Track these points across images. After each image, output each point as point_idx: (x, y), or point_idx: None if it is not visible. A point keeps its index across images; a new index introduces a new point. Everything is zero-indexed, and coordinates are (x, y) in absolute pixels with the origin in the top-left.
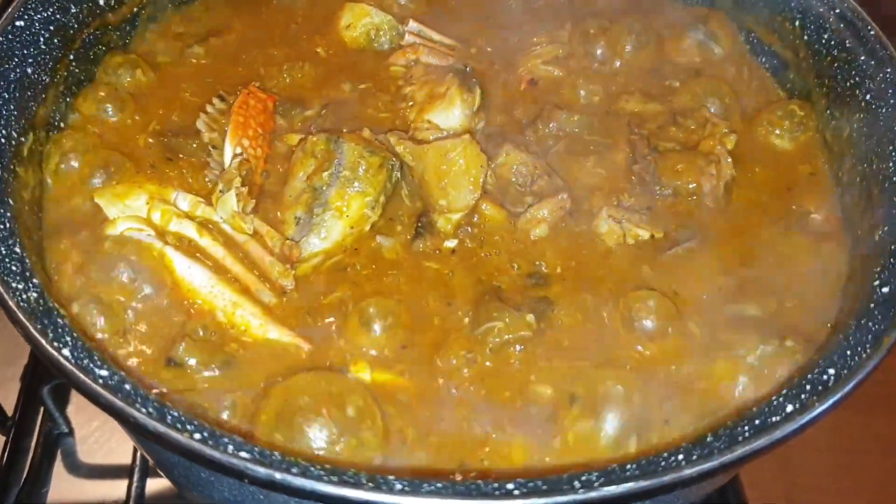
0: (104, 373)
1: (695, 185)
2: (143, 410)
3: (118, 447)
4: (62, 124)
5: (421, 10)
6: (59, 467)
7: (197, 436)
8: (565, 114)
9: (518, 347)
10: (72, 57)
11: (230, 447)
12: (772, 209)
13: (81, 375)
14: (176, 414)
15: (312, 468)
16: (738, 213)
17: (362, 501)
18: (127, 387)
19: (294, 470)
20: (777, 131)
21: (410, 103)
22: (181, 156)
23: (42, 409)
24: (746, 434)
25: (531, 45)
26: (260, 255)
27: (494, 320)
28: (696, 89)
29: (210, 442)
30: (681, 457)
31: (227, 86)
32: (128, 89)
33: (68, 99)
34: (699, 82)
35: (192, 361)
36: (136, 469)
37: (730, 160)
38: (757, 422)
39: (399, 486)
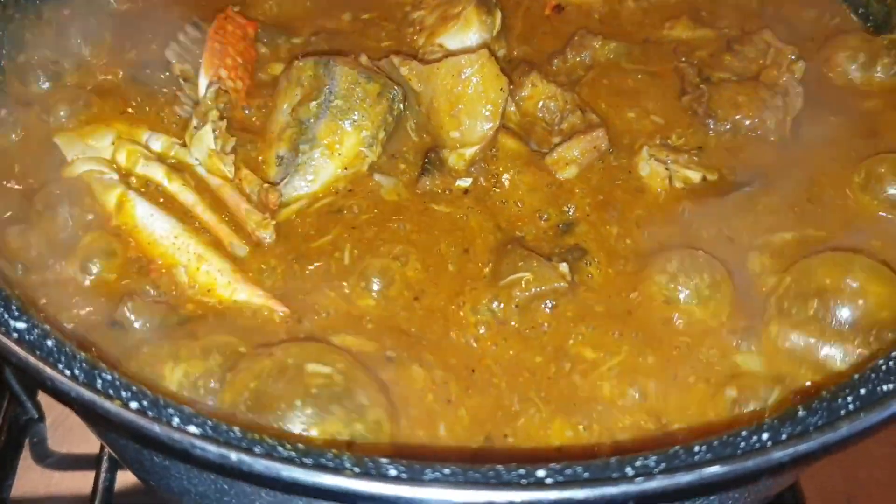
0: (21, 325)
1: (757, 119)
2: (67, 373)
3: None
4: (14, 54)
5: None
6: (26, 457)
7: (133, 405)
8: (599, 40)
9: (549, 303)
10: None
11: (175, 419)
12: (854, 152)
13: None
14: (109, 378)
15: (281, 447)
16: (809, 153)
17: (344, 492)
18: (49, 343)
19: (257, 449)
20: (854, 66)
21: (419, 27)
22: (150, 88)
23: (7, 392)
24: (850, 406)
25: None
26: (236, 201)
27: (521, 270)
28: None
29: (150, 413)
30: (765, 436)
31: (205, 12)
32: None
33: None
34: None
35: (139, 324)
36: (105, 458)
37: (800, 89)
38: (863, 390)
39: (394, 472)
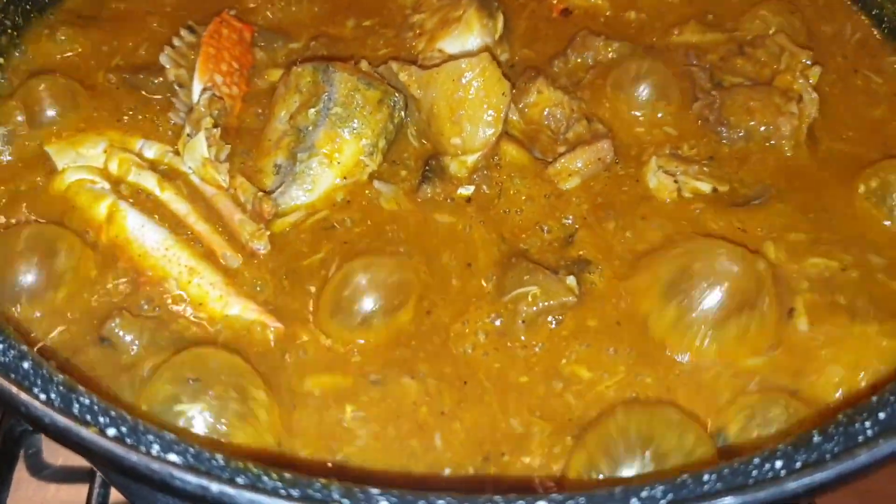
0: None
1: (771, 126)
2: (43, 397)
3: None
4: (1, 60)
5: None
6: (21, 469)
7: (111, 431)
8: (602, 40)
9: (556, 318)
10: None
11: (155, 446)
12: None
13: None
14: (87, 402)
15: (266, 477)
16: (824, 161)
17: None
18: (25, 365)
19: (240, 479)
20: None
21: (418, 31)
22: (144, 94)
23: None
24: (868, 432)
25: None
26: (230, 211)
27: (527, 284)
28: (763, 13)
29: (129, 440)
30: (778, 463)
31: (202, 16)
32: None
33: (10, 31)
34: (768, 5)
35: (129, 339)
36: (98, 473)
37: (815, 96)
38: (882, 415)
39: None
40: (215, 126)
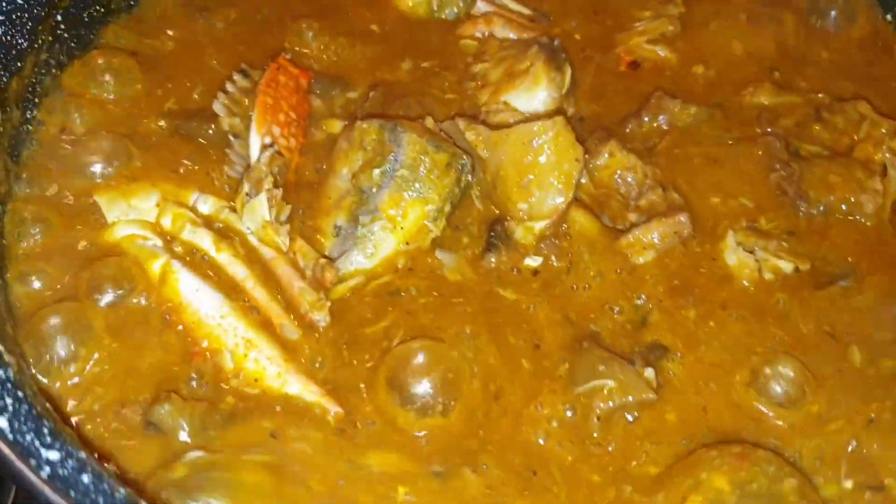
0: (53, 455)
1: (852, 201)
2: None
3: None
4: (43, 100)
5: None
6: None
7: None
8: (679, 104)
9: (633, 415)
10: (59, 18)
11: None
12: None
13: (18, 464)
14: None
15: None
16: None
17: None
18: (84, 479)
19: None
20: None
21: (481, 83)
22: (198, 142)
23: None
24: None
25: (632, 20)
26: (289, 277)
27: (602, 376)
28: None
29: None
30: None
31: (254, 58)
32: (133, 59)
33: (53, 70)
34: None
35: (176, 425)
36: None
37: None
38: None
39: None
40: (276, 186)
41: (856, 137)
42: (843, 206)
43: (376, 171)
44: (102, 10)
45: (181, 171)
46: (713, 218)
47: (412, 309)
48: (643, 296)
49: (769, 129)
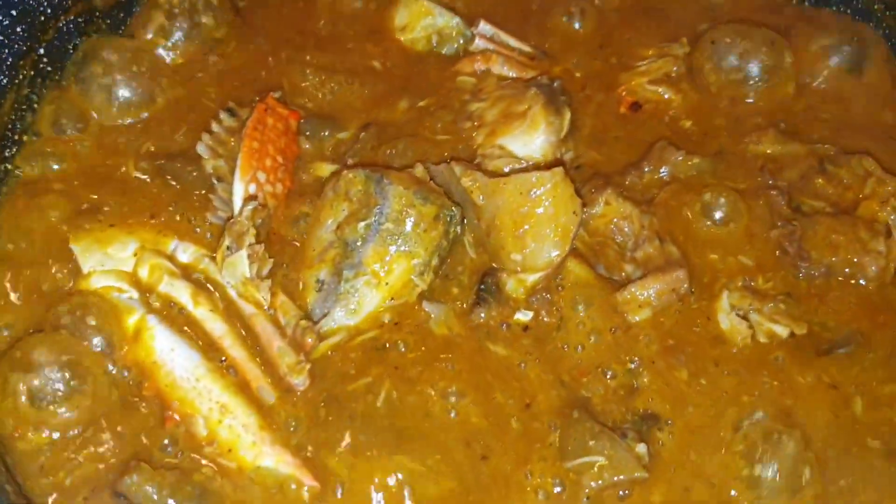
0: None
1: (855, 262)
2: None
3: None
4: (24, 138)
5: (493, 10)
6: None
7: None
8: (682, 154)
9: (624, 492)
10: (42, 52)
11: None
12: None
13: None
14: None
15: None
16: None
17: None
18: None
19: None
20: None
21: (477, 123)
22: (176, 185)
23: None
24: None
25: (636, 59)
26: (269, 336)
27: (592, 452)
28: (846, 127)
29: None
30: None
31: (241, 94)
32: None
33: (35, 106)
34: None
35: (151, 494)
36: None
37: None
38: None
39: None
40: (258, 241)
41: (861, 194)
42: (846, 269)
43: (361, 224)
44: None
45: (162, 216)
46: (710, 274)
47: (400, 363)
48: (636, 358)
49: (772, 182)
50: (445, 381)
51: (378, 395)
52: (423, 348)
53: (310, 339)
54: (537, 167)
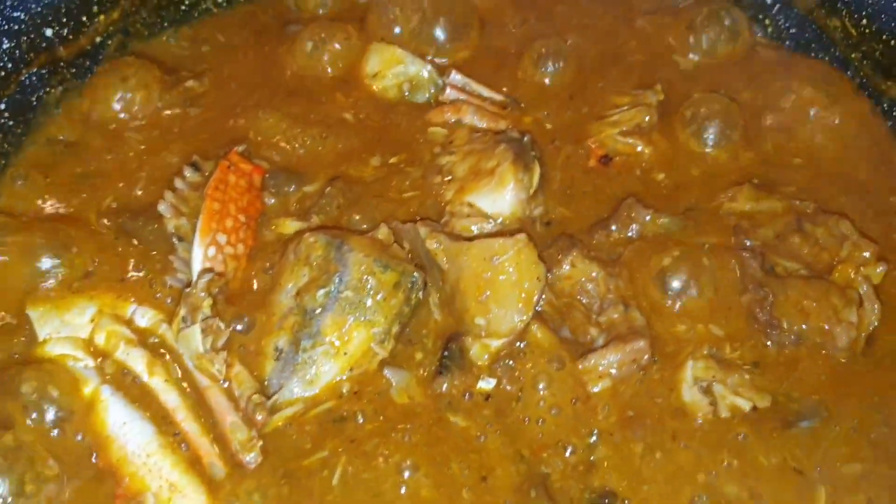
0: None
1: (826, 329)
2: None
3: None
4: None
5: (464, 57)
6: None
7: None
8: (650, 214)
9: None
10: (2, 106)
11: None
12: None
13: None
14: None
15: None
16: (883, 367)
17: None
18: None
19: None
20: None
21: (448, 178)
22: (137, 244)
23: None
24: None
25: (608, 107)
26: (222, 410)
27: None
28: (822, 184)
29: None
30: None
31: (207, 147)
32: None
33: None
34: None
35: None
36: None
37: (878, 305)
38: None
39: None
40: (213, 314)
41: (836, 257)
42: (817, 338)
43: (320, 292)
44: (51, 91)
45: (121, 279)
46: (676, 343)
47: (357, 436)
48: (595, 431)
49: (746, 242)
50: (401, 453)
51: (334, 472)
52: (381, 418)
53: (259, 416)
54: (501, 233)
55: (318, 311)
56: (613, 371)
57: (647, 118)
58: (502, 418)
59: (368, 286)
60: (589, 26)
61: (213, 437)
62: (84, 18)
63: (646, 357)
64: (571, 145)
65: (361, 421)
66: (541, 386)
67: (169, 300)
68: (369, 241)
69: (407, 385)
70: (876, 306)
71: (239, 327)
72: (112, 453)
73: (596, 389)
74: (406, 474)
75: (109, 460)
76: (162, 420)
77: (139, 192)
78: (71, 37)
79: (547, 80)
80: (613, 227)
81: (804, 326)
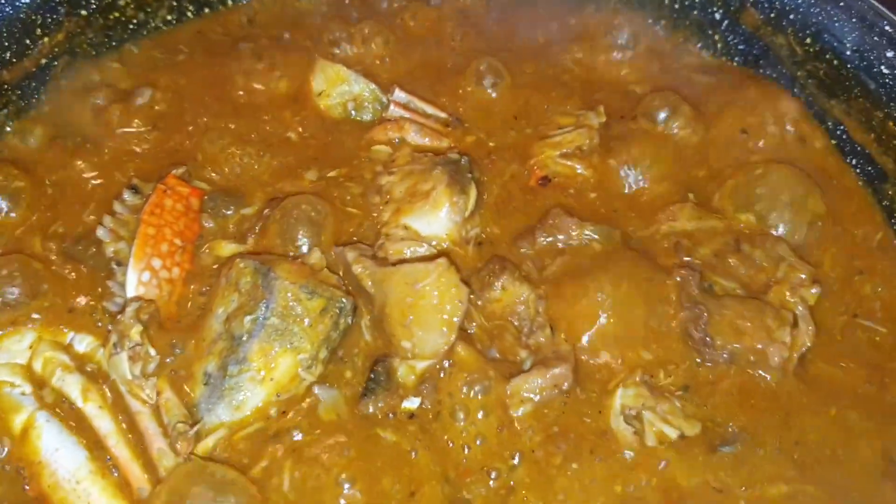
0: None
1: (759, 348)
2: None
3: None
4: None
5: (407, 70)
6: None
7: None
8: (575, 222)
9: None
10: None
11: None
12: (868, 402)
13: None
14: None
15: None
16: (815, 398)
17: None
18: None
19: None
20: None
21: (387, 199)
22: (83, 269)
23: None
24: None
25: (552, 127)
26: (151, 436)
27: None
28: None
29: None
30: None
31: (149, 169)
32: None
33: None
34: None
35: None
36: None
37: (812, 327)
38: None
39: None
40: (142, 341)
41: (773, 278)
42: (750, 357)
43: (247, 319)
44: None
45: (67, 306)
46: (606, 370)
47: (296, 446)
48: (518, 454)
49: (685, 260)
50: (338, 467)
51: (282, 477)
52: (317, 431)
53: (179, 445)
54: (425, 258)
55: (245, 337)
56: (535, 396)
57: (587, 141)
58: (429, 435)
59: (294, 313)
60: (530, 45)
61: (143, 463)
62: (27, 41)
63: (567, 383)
64: (513, 165)
65: (300, 437)
66: (466, 407)
67: (108, 328)
68: (298, 266)
69: (335, 404)
70: (811, 328)
71: (174, 353)
72: (43, 480)
73: (519, 413)
74: (346, 487)
75: (41, 488)
76: (95, 445)
77: (87, 218)
78: (14, 59)
79: (493, 94)
80: (539, 238)
81: (738, 345)
